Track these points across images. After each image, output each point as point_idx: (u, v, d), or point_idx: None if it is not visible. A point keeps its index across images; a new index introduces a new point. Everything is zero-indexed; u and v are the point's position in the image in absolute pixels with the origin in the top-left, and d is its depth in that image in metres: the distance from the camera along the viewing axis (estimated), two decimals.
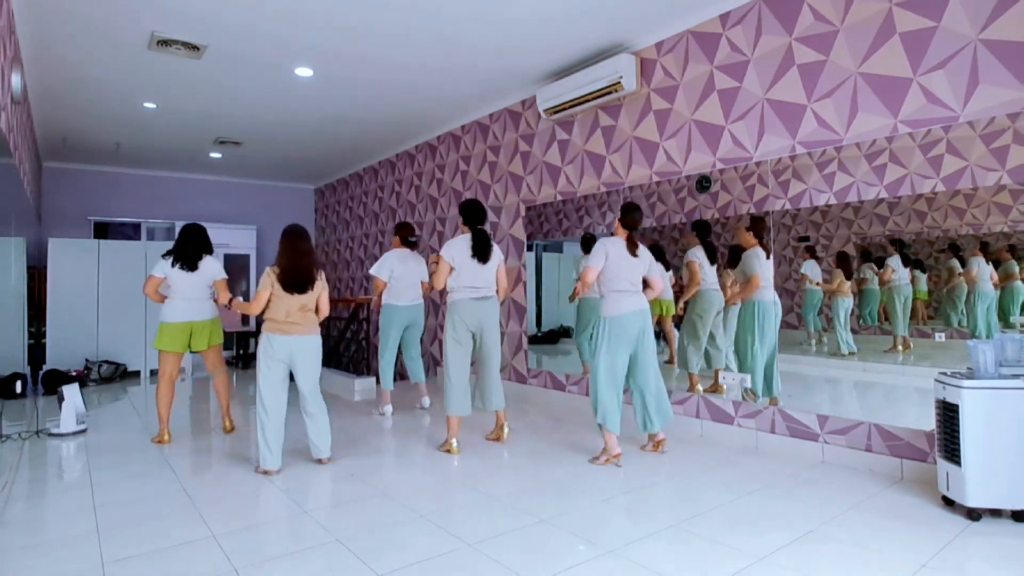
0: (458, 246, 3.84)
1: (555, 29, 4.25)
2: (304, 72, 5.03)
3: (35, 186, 7.09)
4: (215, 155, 8.03)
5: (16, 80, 3.95)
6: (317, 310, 3.58)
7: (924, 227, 3.20)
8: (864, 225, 3.44)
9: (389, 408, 5.01)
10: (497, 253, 3.95)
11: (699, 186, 4.17)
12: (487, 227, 5.85)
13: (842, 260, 3.62)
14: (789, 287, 3.87)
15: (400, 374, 7.55)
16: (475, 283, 3.85)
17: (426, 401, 5.16)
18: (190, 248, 4.15)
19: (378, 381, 5.21)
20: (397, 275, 4.90)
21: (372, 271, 4.92)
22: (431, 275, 4.29)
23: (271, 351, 3.41)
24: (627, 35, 4.39)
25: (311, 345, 3.51)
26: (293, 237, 3.50)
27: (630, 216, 3.59)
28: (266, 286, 3.40)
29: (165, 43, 4.38)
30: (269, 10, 3.92)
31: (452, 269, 3.83)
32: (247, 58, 4.71)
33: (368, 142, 7.46)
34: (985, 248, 3.09)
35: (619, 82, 4.40)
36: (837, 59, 3.40)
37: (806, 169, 3.59)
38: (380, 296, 5.02)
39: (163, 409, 4.14)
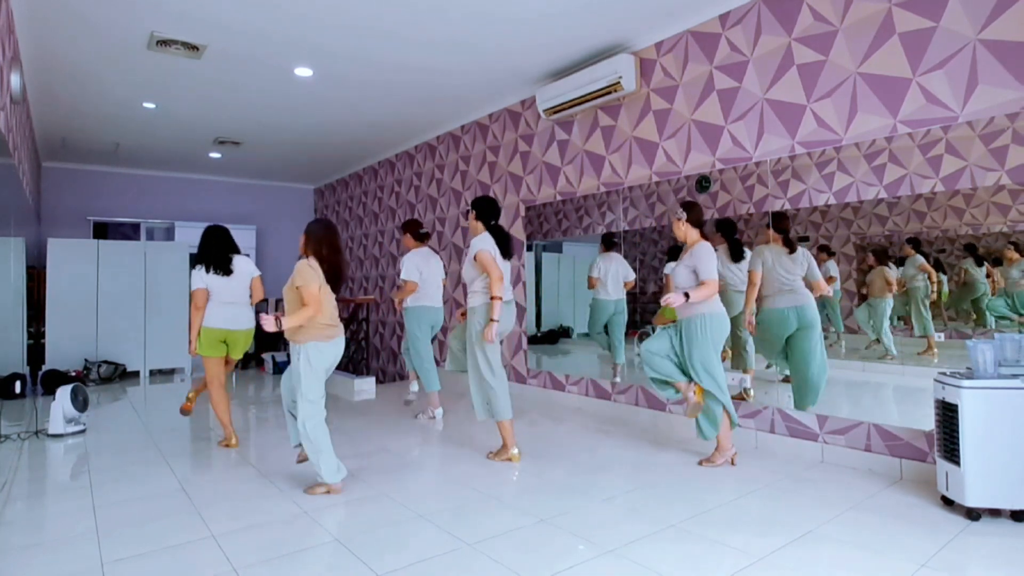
0: (492, 243, 3.49)
1: (555, 29, 4.25)
2: (304, 72, 5.03)
3: (34, 186, 7.10)
4: (215, 155, 8.03)
5: (16, 80, 3.95)
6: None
7: (923, 227, 3.20)
8: (863, 225, 3.44)
9: (440, 411, 4.79)
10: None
11: (699, 186, 4.17)
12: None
13: (878, 258, 3.45)
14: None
15: (400, 375, 7.56)
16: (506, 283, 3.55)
17: (439, 412, 4.77)
18: (218, 252, 3.90)
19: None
20: (424, 276, 4.70)
21: (404, 276, 4.66)
22: (490, 280, 3.52)
23: (322, 362, 2.97)
24: (627, 35, 4.40)
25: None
26: (332, 231, 3.12)
27: (694, 212, 3.36)
28: (314, 280, 2.91)
29: (165, 43, 4.38)
30: (269, 10, 3.93)
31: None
32: (247, 58, 4.72)
33: (368, 142, 7.46)
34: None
35: (619, 82, 4.40)
36: (836, 59, 3.40)
37: (805, 169, 3.59)
38: (401, 299, 4.76)
39: (223, 415, 3.98)
